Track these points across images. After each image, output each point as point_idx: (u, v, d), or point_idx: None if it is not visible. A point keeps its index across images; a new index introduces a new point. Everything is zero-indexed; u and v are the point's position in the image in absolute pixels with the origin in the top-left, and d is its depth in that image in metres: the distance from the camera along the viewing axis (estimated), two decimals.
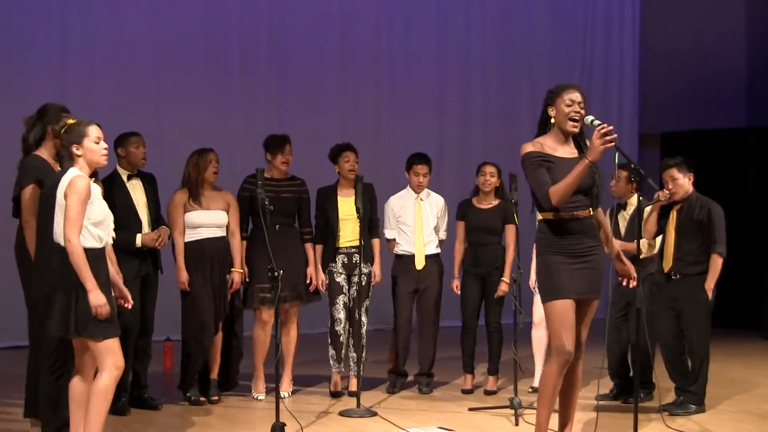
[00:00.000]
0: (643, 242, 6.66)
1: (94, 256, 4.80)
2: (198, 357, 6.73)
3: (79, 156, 4.87)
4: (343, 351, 7.10)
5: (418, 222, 7.30)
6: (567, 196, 4.80)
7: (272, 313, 6.92)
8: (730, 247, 6.54)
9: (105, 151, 4.96)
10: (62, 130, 4.91)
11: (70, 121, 4.95)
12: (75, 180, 4.77)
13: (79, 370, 4.94)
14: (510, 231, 7.21)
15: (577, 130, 4.92)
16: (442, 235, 7.44)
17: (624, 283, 5.22)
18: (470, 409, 6.67)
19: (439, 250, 7.38)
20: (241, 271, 6.86)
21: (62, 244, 4.77)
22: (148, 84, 10.20)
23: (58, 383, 5.14)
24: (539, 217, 5.01)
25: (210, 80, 10.47)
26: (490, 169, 7.29)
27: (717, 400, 6.91)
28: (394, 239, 7.38)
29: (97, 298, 4.70)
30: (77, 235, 4.72)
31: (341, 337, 7.09)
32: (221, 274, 6.79)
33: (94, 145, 4.90)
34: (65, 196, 4.75)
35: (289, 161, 7.07)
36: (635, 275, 5.19)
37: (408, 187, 7.43)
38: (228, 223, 6.86)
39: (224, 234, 6.85)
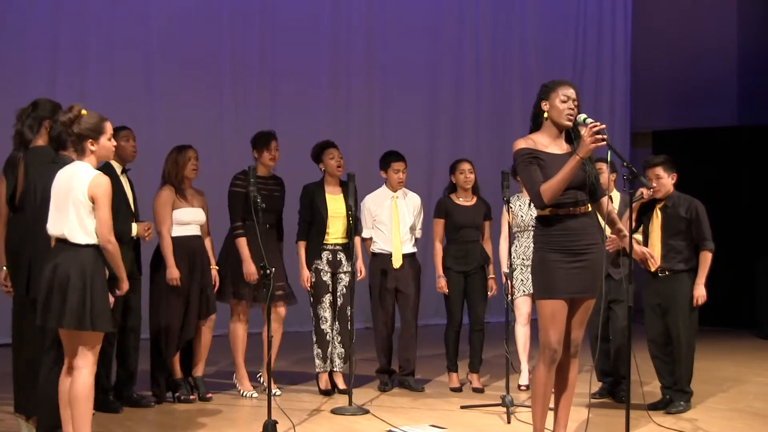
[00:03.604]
0: (637, 237, 6.67)
1: (99, 252, 4.85)
2: (168, 355, 6.72)
3: (93, 152, 4.87)
4: (329, 350, 7.09)
5: (395, 221, 7.28)
6: (558, 193, 4.79)
7: (250, 309, 6.98)
8: (721, 245, 6.56)
9: (114, 148, 5.02)
10: (75, 119, 4.84)
11: (84, 112, 4.88)
12: (101, 181, 4.78)
13: (69, 368, 4.93)
14: (488, 227, 7.26)
15: (571, 124, 4.92)
16: (418, 233, 7.43)
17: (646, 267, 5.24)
18: (462, 407, 6.68)
19: (415, 249, 7.38)
20: (217, 267, 6.89)
21: (76, 241, 4.77)
22: (140, 82, 10.16)
23: (57, 382, 5.11)
24: (536, 213, 5.01)
25: (202, 78, 10.43)
26: (467, 165, 7.29)
27: (708, 398, 6.92)
28: (371, 238, 7.37)
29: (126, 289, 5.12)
30: (113, 234, 4.82)
31: (327, 336, 7.08)
32: (204, 271, 6.80)
33: (108, 143, 4.93)
34: (91, 197, 4.75)
35: (275, 158, 7.04)
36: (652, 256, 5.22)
37: (384, 186, 7.40)
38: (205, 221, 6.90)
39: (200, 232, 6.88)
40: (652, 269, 6.42)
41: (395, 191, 7.35)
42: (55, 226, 4.84)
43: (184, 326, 6.70)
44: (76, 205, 4.76)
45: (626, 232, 5.14)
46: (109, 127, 4.92)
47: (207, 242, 6.91)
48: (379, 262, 7.29)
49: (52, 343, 5.12)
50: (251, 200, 5.98)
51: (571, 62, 12.67)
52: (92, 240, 4.80)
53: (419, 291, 7.37)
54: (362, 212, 7.36)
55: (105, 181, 4.79)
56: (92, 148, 4.86)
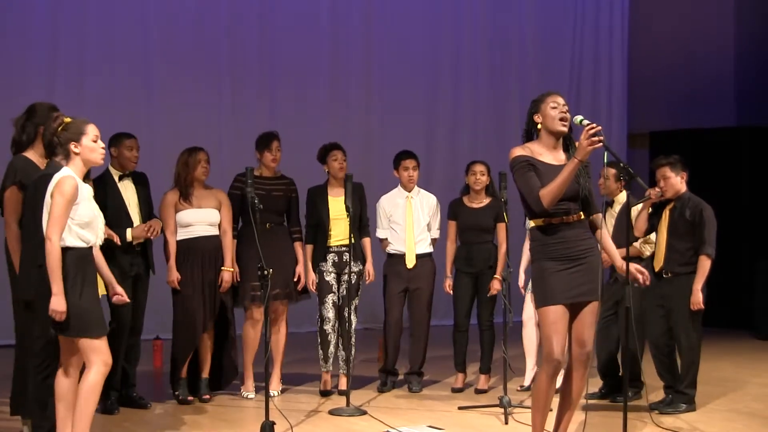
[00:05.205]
0: (637, 243, 6.68)
1: (80, 256, 4.82)
2: (182, 355, 6.76)
3: (76, 154, 4.87)
4: (331, 350, 7.10)
5: (408, 220, 7.30)
6: (558, 197, 4.79)
7: (262, 311, 6.95)
8: (720, 246, 6.56)
9: (102, 151, 4.99)
10: (60, 128, 4.88)
11: (68, 119, 4.93)
12: (62, 180, 4.76)
13: (65, 368, 4.94)
14: (501, 229, 7.22)
15: (566, 129, 4.93)
16: (435, 233, 7.42)
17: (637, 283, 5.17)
18: (460, 408, 6.68)
19: (431, 249, 7.37)
20: (231, 269, 6.86)
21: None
22: (139, 83, 10.18)
23: (46, 383, 5.10)
24: (531, 224, 4.99)
25: (200, 80, 10.44)
26: (479, 167, 7.30)
27: (707, 398, 6.92)
28: (386, 238, 7.38)
29: (57, 304, 4.69)
30: (58, 235, 4.73)
31: (330, 336, 7.08)
32: (213, 273, 6.81)
33: (93, 144, 4.92)
34: (52, 195, 4.76)
35: (277, 158, 7.06)
36: (642, 272, 5.17)
37: (399, 187, 7.43)
38: (220, 221, 6.87)
39: (217, 232, 6.86)
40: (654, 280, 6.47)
41: (409, 191, 7.36)
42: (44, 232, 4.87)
43: (189, 327, 6.71)
44: (47, 206, 4.80)
45: (607, 243, 5.13)
46: (91, 129, 4.92)
47: (226, 241, 6.88)
48: (393, 262, 7.31)
49: (37, 344, 5.10)
50: (249, 200, 5.99)
51: (569, 62, 12.67)
52: (62, 243, 4.78)
53: (432, 292, 7.36)
54: (378, 213, 7.41)
55: (69, 182, 4.76)
56: (75, 150, 4.87)
